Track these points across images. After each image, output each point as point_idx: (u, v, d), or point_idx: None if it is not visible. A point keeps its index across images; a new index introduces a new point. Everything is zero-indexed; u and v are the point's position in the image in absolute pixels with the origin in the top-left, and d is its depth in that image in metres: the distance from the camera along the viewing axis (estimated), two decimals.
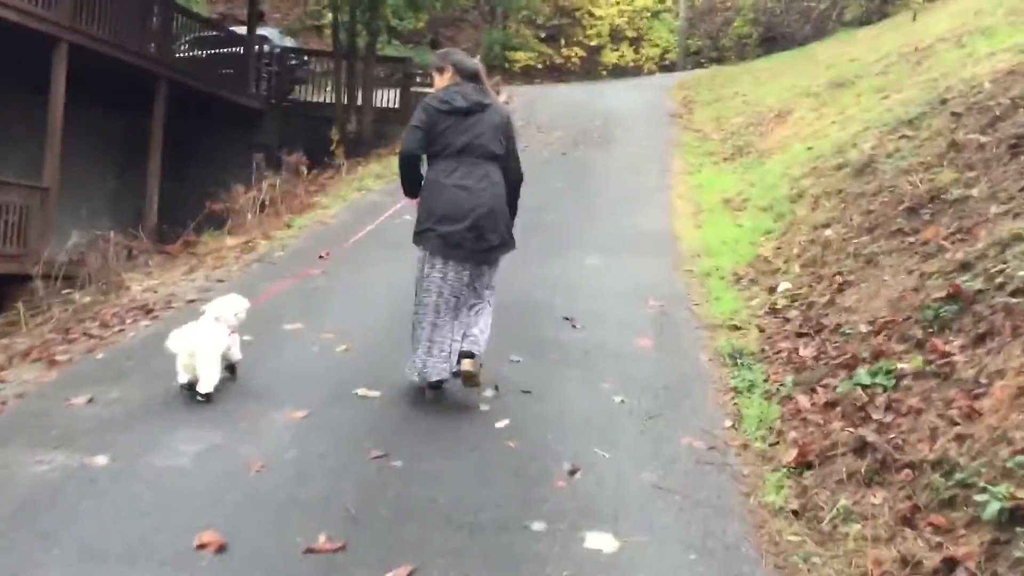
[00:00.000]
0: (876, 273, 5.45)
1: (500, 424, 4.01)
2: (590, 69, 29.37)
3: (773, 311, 5.74)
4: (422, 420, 4.04)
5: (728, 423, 4.17)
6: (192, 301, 5.68)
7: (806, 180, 8.53)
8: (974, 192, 5.39)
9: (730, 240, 7.78)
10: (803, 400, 4.22)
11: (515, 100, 18.59)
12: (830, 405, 4.07)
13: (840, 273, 5.78)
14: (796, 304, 5.71)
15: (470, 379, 4.06)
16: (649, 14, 30.64)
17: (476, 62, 4.32)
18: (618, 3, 30.38)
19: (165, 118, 14.84)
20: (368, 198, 9.47)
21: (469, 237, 4.04)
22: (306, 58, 22.27)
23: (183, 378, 4.10)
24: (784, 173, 9.44)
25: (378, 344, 5.03)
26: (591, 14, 30.26)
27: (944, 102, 7.55)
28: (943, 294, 4.33)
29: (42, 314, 6.70)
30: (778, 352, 4.99)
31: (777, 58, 24.16)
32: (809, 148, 9.80)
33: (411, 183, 4.23)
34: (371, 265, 6.56)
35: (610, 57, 29.95)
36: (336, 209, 8.78)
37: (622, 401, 4.35)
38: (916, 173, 6.24)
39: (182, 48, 18.63)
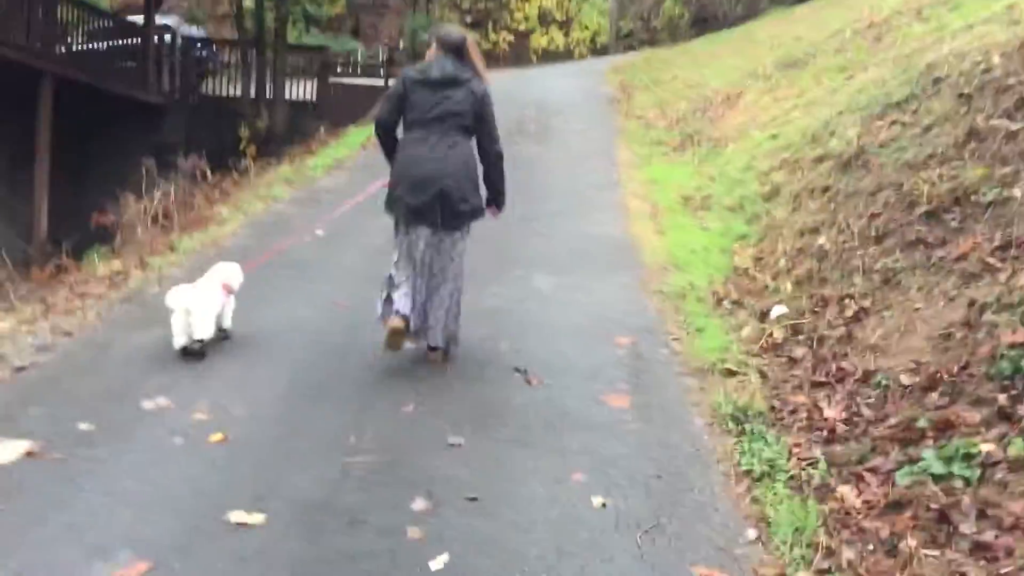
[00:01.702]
0: (900, 298, 4.38)
1: (436, 564, 2.78)
2: (520, 55, 28.12)
3: (772, 347, 4.63)
4: (325, 562, 2.78)
5: (751, 534, 3.02)
6: (21, 369, 4.28)
7: (777, 174, 7.48)
8: (1016, 192, 4.35)
9: (699, 248, 6.67)
10: (849, 495, 3.09)
11: None
12: (893, 506, 2.95)
13: (851, 296, 4.70)
14: (800, 337, 4.60)
15: (392, 340, 4.20)
16: None
17: (460, 37, 4.35)
18: None
19: (54, 118, 13.08)
20: (275, 209, 8.08)
21: (435, 205, 4.12)
22: (216, 48, 20.54)
23: (179, 341, 4.31)
24: (748, 166, 8.39)
25: (269, 427, 3.73)
26: None
27: (937, 81, 6.56)
28: (1020, 338, 3.25)
29: None
30: (793, 411, 3.86)
31: (713, 39, 23.32)
32: (773, 136, 8.78)
33: (387, 151, 4.36)
34: (268, 306, 5.24)
35: (540, 42, 28.77)
36: (235, 225, 7.39)
37: (603, 505, 3.16)
38: (928, 168, 5.19)
39: (79, 41, 16.85)
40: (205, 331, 4.33)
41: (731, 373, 4.36)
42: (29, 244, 12.71)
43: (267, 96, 15.81)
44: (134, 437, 3.59)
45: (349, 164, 10.38)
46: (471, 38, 4.46)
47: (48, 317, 5.17)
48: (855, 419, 3.62)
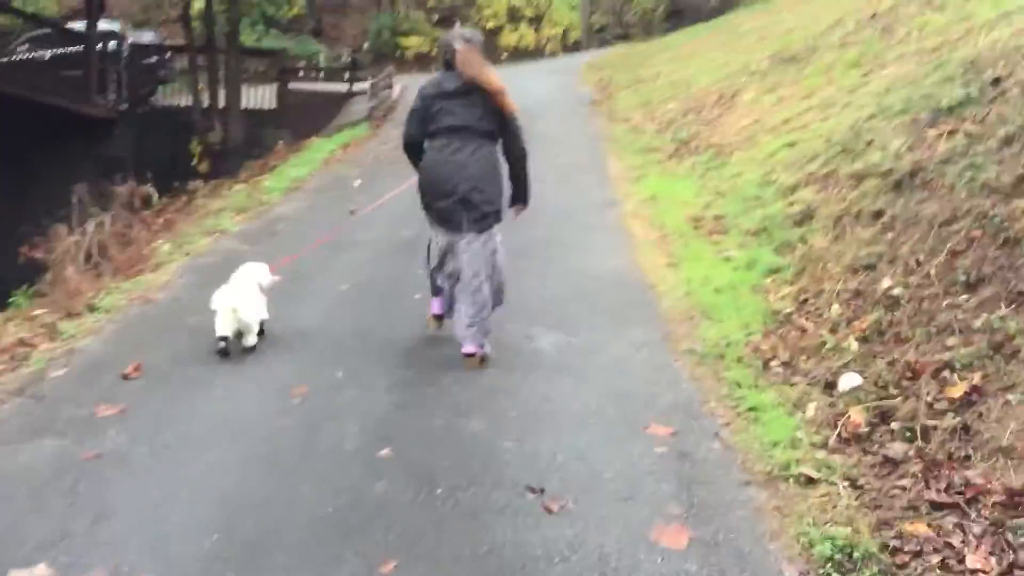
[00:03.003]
0: None
1: None
2: (489, 53, 26.78)
3: (854, 437, 3.58)
4: None
5: None
6: None
7: (806, 192, 6.45)
8: None
9: (725, 286, 5.61)
10: None
11: (406, 93, 16.11)
12: None
13: (951, 366, 3.67)
14: (893, 426, 3.56)
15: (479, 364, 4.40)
16: None
17: (452, 44, 4.37)
18: None
19: None
20: (222, 247, 6.90)
21: (459, 208, 4.27)
22: (170, 55, 19.19)
23: (222, 330, 4.49)
24: (765, 179, 7.36)
25: None
26: None
27: (997, 82, 5.56)
28: None
29: None
30: (918, 553, 2.81)
31: (691, 32, 22.42)
32: (789, 144, 7.76)
33: (415, 163, 4.51)
34: (193, 398, 4.11)
35: (510, 39, 27.74)
36: (172, 270, 6.23)
37: None
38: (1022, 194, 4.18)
39: (18, 50, 15.54)
40: (253, 337, 4.59)
41: (811, 481, 3.30)
42: None
43: (221, 105, 14.56)
44: None
45: (309, 186, 9.23)
46: (476, 39, 4.48)
47: None
48: (1015, 572, 2.58)
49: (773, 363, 4.45)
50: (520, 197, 4.62)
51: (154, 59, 18.81)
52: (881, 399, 3.76)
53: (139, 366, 4.37)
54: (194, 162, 13.04)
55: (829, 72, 9.61)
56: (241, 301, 4.51)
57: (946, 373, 3.66)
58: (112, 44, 16.78)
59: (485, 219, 4.32)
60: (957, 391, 3.49)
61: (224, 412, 3.95)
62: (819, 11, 14.65)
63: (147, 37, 21.31)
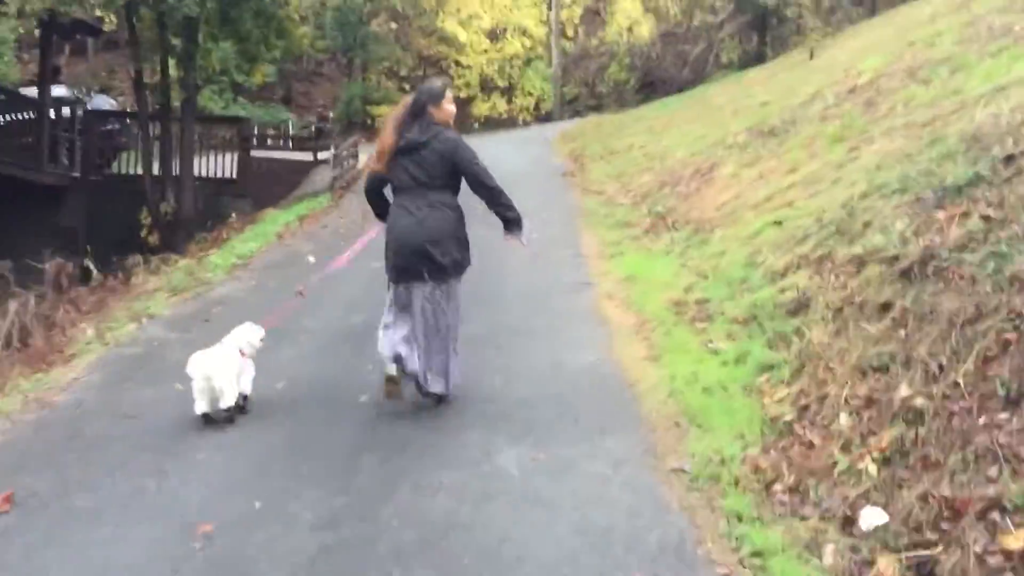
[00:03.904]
0: None
1: None
2: (461, 121, 26.65)
3: None
4: None
5: None
6: None
7: (799, 276, 5.85)
8: None
9: (714, 386, 4.95)
10: None
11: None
12: None
13: (1001, 507, 2.99)
14: None
15: (387, 391, 4.52)
16: (520, 62, 28.47)
17: (420, 97, 4.54)
18: (486, 51, 28.10)
19: None
20: (146, 335, 6.12)
21: (416, 262, 4.37)
22: (128, 121, 18.58)
23: (200, 407, 4.33)
24: (751, 260, 6.78)
25: None
26: (458, 63, 27.83)
27: (1011, 160, 5.05)
28: None
29: None
30: None
31: (664, 104, 22.30)
32: (776, 223, 7.21)
33: (377, 214, 4.77)
34: (70, 540, 3.34)
35: (481, 108, 27.58)
36: (84, 364, 5.46)
37: None
38: None
39: None
40: (230, 398, 4.36)
41: None
42: None
43: (176, 174, 13.88)
44: None
45: (257, 262, 8.53)
46: (439, 88, 4.63)
47: None
48: None
49: (777, 487, 3.76)
50: (510, 228, 4.57)
51: (113, 126, 18.22)
52: (916, 545, 3.07)
53: (9, 496, 3.58)
54: (143, 234, 12.28)
55: (811, 146, 9.18)
56: (218, 370, 4.32)
57: (995, 515, 2.98)
58: (66, 110, 16.21)
59: (442, 271, 4.39)
60: (1015, 542, 2.81)
61: (104, 562, 3.16)
62: (793, 84, 14.44)
63: (106, 103, 20.78)
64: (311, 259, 8.24)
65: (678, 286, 7.09)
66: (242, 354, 4.50)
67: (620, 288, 7.31)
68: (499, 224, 4.58)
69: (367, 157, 17.15)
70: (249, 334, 4.63)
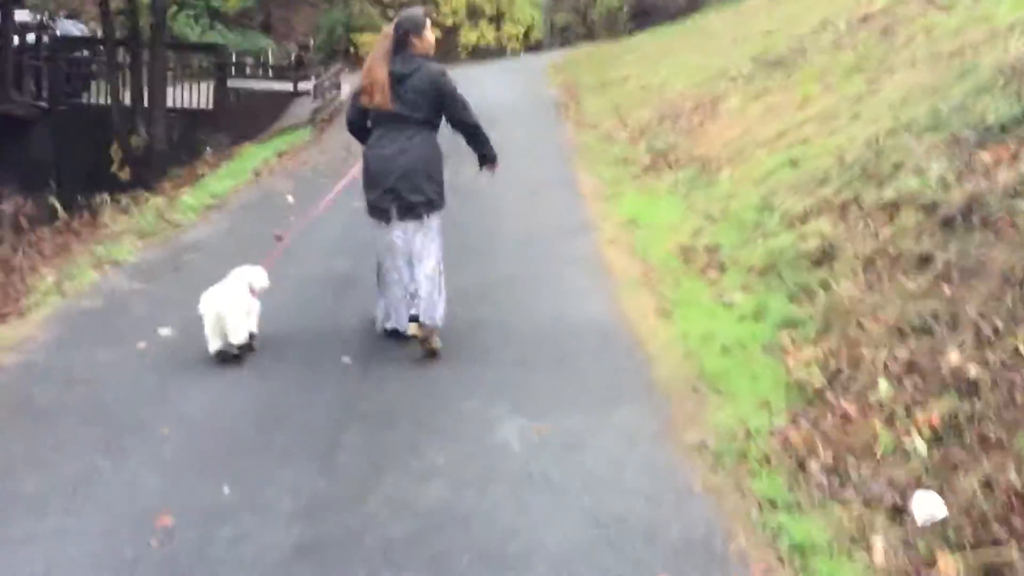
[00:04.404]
0: None
1: None
2: (448, 51, 25.72)
3: None
4: None
5: None
6: None
7: (821, 222, 5.37)
8: None
9: (732, 344, 4.52)
10: None
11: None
12: None
13: None
14: None
15: (423, 344, 4.31)
16: None
17: (396, 28, 4.32)
18: None
19: None
20: (109, 286, 5.58)
21: (385, 198, 4.28)
22: (102, 48, 17.61)
23: (214, 345, 4.21)
24: (765, 203, 6.29)
25: None
26: None
27: None
28: None
29: None
30: None
31: (658, 33, 21.41)
32: (792, 162, 6.70)
33: (362, 143, 4.54)
34: (7, 537, 2.90)
35: (469, 37, 26.51)
36: (39, 319, 4.93)
37: None
38: None
39: None
40: (241, 335, 4.27)
41: None
42: None
43: (147, 105, 13.12)
44: None
45: (233, 202, 7.95)
46: (420, 16, 4.38)
47: None
48: None
49: (812, 466, 3.35)
50: (483, 157, 4.59)
51: (84, 53, 17.29)
52: (981, 543, 2.68)
53: None
54: (113, 168, 11.61)
55: (824, 78, 8.60)
56: (229, 306, 4.20)
57: None
58: (31, 36, 15.31)
59: (413, 208, 4.29)
60: None
61: (45, 564, 2.72)
62: (797, 12, 13.71)
63: (76, 29, 19.73)
64: (290, 199, 7.67)
65: (685, 230, 6.61)
66: (252, 292, 4.38)
67: (622, 232, 6.83)
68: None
69: (350, 88, 16.40)
70: (254, 273, 4.47)
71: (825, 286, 4.70)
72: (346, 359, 4.35)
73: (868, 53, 8.48)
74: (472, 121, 4.44)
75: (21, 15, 15.73)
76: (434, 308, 4.31)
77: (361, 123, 4.47)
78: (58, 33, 17.41)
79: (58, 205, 8.58)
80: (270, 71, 20.55)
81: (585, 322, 4.90)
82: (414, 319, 4.30)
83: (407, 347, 4.41)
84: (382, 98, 4.23)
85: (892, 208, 4.84)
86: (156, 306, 5.00)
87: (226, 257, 5.31)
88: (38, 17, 15.08)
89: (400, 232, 4.31)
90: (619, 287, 5.52)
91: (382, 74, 4.23)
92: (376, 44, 4.39)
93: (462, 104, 4.38)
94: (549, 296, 5.33)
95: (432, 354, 4.30)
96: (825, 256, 4.97)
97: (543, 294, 5.36)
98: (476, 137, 4.51)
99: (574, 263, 6.00)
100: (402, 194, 4.24)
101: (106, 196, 8.39)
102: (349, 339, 4.60)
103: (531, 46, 26.84)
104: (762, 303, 4.93)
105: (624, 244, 6.46)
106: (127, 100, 12.90)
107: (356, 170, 4.64)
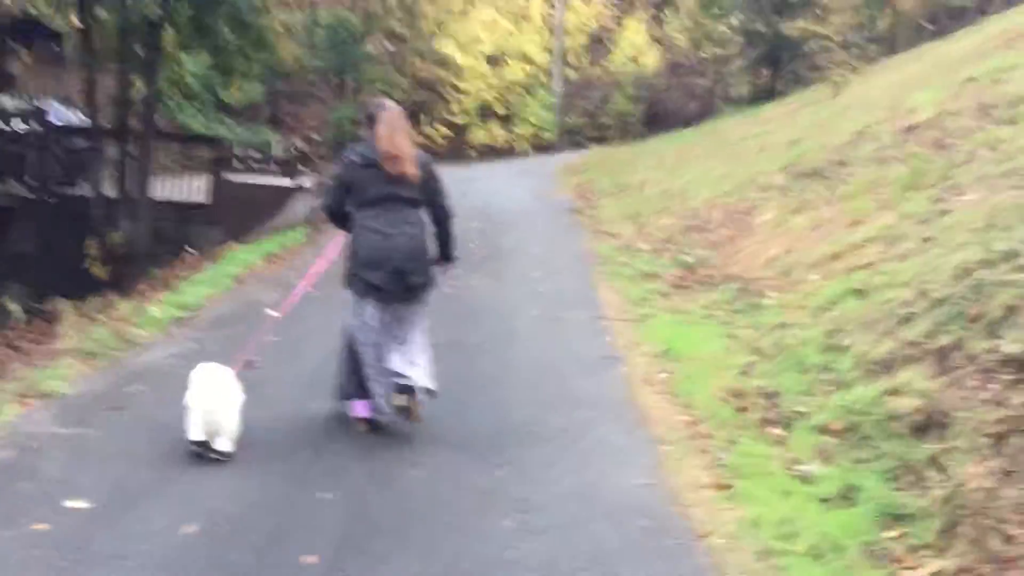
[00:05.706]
0: None
1: None
2: (457, 149, 25.35)
3: None
4: None
5: None
6: None
7: (912, 373, 4.35)
8: None
9: (822, 542, 3.42)
10: None
11: None
12: None
13: None
14: None
15: (410, 415, 4.42)
16: (521, 89, 27.11)
17: (399, 112, 4.42)
18: (485, 76, 26.76)
19: None
20: (27, 427, 4.44)
21: (391, 280, 4.25)
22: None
23: (197, 435, 3.92)
24: (830, 342, 5.28)
25: None
26: (455, 88, 26.48)
27: None
28: None
29: None
30: None
31: (674, 138, 20.97)
32: (857, 292, 5.72)
33: (341, 227, 4.53)
34: None
35: (479, 136, 26.18)
36: None
37: None
38: None
39: None
40: (231, 436, 4.01)
41: None
42: None
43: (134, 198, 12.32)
44: None
45: (205, 316, 6.93)
46: (395, 108, 4.41)
47: None
48: None
49: None
50: (447, 255, 4.63)
51: (82, 143, 16.69)
52: None
53: None
54: (89, 265, 10.72)
55: (876, 192, 7.73)
56: (221, 401, 3.96)
57: None
58: (19, 124, 14.71)
59: (414, 291, 4.35)
60: None
61: None
62: (824, 120, 13.08)
63: (76, 118, 19.23)
64: (272, 312, 6.66)
65: (731, 367, 5.58)
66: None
67: (656, 366, 5.79)
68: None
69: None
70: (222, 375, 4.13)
71: (939, 467, 3.63)
72: (311, 559, 3.24)
73: (923, 168, 7.62)
74: (451, 209, 4.56)
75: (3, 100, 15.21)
76: (430, 375, 4.39)
77: (343, 208, 4.39)
78: (56, 121, 16.88)
79: (13, 308, 7.58)
80: (272, 165, 19.97)
81: (624, 501, 3.79)
82: (404, 390, 4.32)
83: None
84: (411, 169, 4.24)
85: (1016, 365, 3.81)
86: (74, 463, 3.93)
87: (178, 391, 4.26)
88: (21, 102, 14.46)
89: (393, 311, 4.32)
90: (662, 447, 4.44)
91: (408, 147, 4.28)
92: (388, 118, 4.31)
93: (445, 191, 4.52)
94: (576, 460, 4.24)
95: (417, 419, 4.40)
96: (931, 422, 3.92)
97: (566, 458, 4.27)
98: (447, 228, 4.56)
99: (603, 410, 4.93)
100: (407, 276, 4.27)
101: (64, 302, 7.38)
102: (325, 522, 3.51)
103: (542, 147, 26.44)
104: (850, 481, 3.85)
105: (660, 384, 5.42)
106: (113, 193, 12.10)
107: (330, 256, 4.63)
